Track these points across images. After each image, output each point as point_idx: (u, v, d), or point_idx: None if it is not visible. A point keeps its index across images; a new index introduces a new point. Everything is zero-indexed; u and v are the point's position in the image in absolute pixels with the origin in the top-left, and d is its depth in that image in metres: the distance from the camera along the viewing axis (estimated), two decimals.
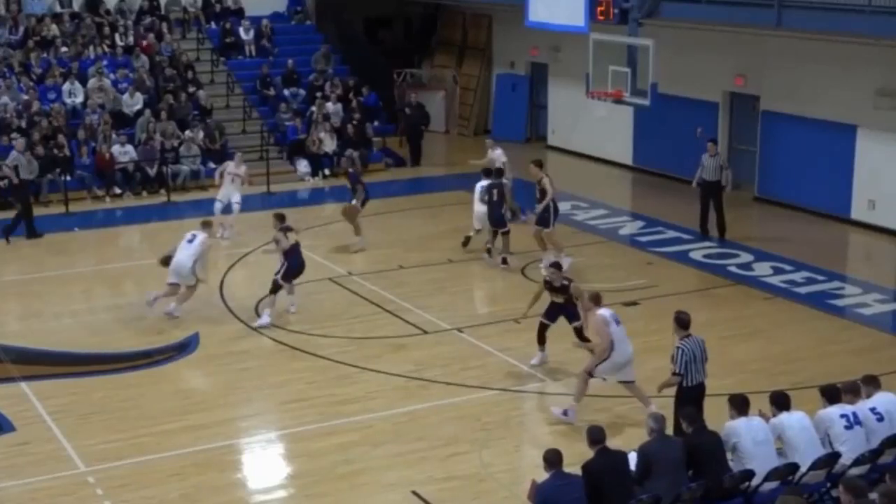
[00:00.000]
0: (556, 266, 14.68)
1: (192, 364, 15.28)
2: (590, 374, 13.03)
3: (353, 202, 20.23)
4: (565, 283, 14.40)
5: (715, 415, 11.60)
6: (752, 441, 10.28)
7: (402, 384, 14.46)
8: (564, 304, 14.42)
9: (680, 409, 11.23)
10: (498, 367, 14.97)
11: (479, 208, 19.44)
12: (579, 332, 14.44)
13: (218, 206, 21.32)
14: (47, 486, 11.85)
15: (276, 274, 16.64)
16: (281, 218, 17.22)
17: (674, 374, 11.76)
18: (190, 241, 16.88)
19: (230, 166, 21.57)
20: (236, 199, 21.29)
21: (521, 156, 29.59)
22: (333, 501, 11.57)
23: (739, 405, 10.55)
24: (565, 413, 13.10)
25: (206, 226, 17.40)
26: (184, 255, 16.71)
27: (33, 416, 13.56)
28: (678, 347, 11.73)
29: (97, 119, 25.40)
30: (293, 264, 16.79)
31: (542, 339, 14.77)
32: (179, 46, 28.88)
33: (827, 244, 20.84)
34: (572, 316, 14.49)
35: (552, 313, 14.67)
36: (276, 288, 16.67)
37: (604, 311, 13.05)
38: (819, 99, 22.08)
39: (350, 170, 21.27)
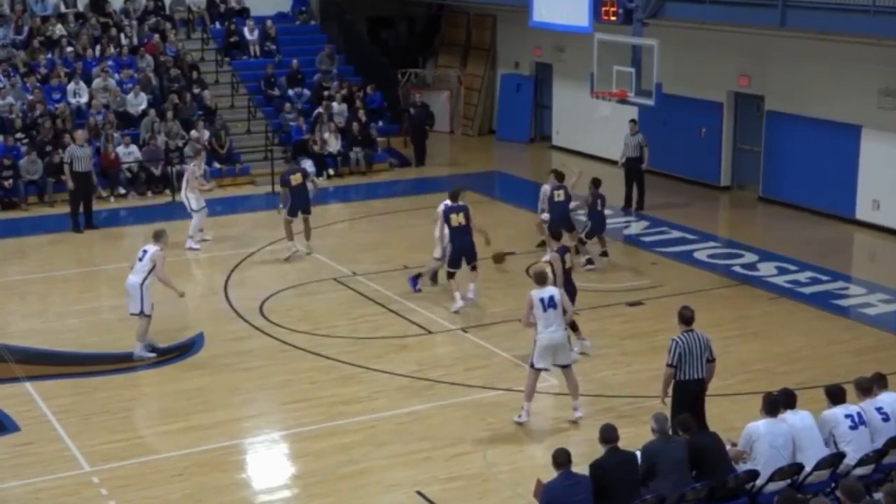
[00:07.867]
0: None
1: (196, 364, 15.26)
2: None
3: (281, 208, 19.94)
4: None
5: (717, 414, 11.61)
6: (768, 445, 10.24)
7: (407, 384, 14.45)
8: None
9: (675, 414, 11.15)
10: (502, 367, 14.96)
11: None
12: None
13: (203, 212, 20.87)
14: (51, 486, 11.86)
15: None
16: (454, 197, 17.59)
17: (667, 365, 11.66)
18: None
19: (198, 171, 20.82)
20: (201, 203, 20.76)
21: (525, 156, 29.79)
22: (337, 501, 11.56)
23: (769, 405, 10.49)
24: None
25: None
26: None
27: (37, 415, 13.57)
28: (673, 339, 11.66)
29: (101, 119, 25.43)
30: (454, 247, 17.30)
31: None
32: (184, 46, 28.88)
33: (831, 244, 20.80)
34: None
35: None
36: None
37: None
38: (823, 99, 22.04)
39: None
